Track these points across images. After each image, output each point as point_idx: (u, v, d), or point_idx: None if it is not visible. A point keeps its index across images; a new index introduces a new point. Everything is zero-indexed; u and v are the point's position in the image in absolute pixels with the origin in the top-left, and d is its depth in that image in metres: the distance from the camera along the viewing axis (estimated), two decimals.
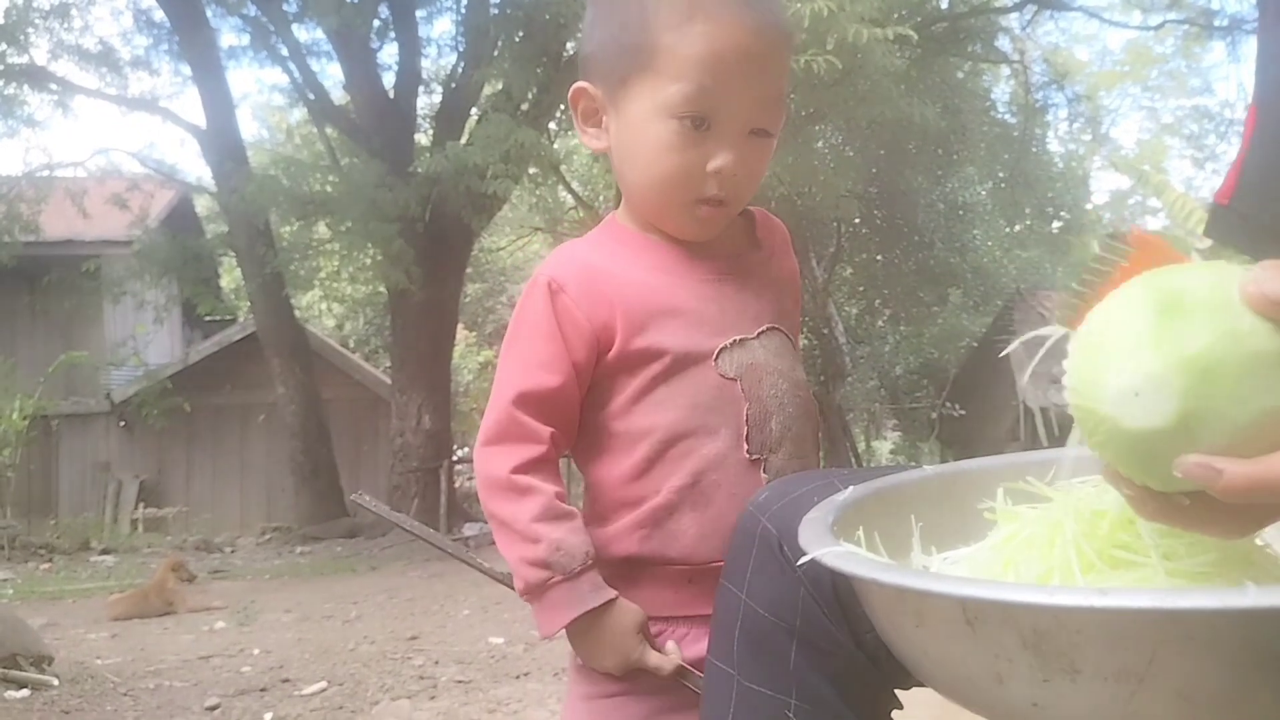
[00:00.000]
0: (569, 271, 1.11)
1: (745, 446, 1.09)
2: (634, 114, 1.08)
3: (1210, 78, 33.36)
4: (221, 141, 11.85)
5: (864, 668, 0.89)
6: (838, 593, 0.86)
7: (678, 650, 1.08)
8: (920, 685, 0.77)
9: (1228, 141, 28.26)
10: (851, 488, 0.83)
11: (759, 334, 1.13)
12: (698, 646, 1.08)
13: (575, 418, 1.12)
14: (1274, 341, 0.59)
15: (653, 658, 1.07)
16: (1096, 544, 0.72)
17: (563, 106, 11.43)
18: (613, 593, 1.06)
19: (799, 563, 0.68)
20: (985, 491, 0.84)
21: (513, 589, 1.10)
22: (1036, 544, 0.74)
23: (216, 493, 15.13)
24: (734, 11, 1.04)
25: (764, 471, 1.09)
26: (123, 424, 14.84)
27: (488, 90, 11.28)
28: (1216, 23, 15.20)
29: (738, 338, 1.11)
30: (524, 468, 1.07)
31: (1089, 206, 23.92)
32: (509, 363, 1.12)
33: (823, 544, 0.69)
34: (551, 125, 11.52)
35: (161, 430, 14.05)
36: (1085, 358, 0.64)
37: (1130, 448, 0.62)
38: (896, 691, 0.96)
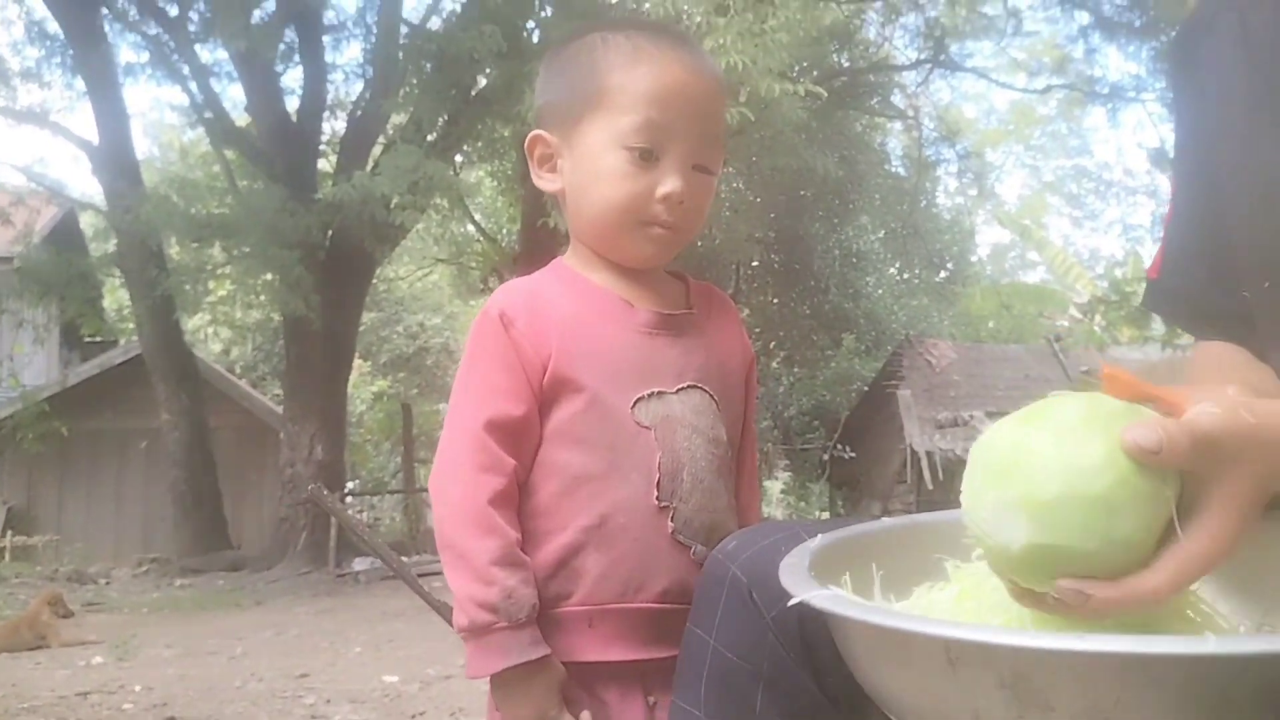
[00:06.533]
0: (517, 305, 1.16)
1: (655, 493, 1.12)
2: (588, 149, 1.17)
3: (1089, 140, 35.21)
4: (114, 159, 11.51)
5: (826, 710, 0.93)
6: (804, 637, 0.90)
7: None
8: None
9: (1105, 201, 29.74)
10: (820, 535, 0.88)
11: (679, 390, 1.17)
12: (609, 697, 1.11)
13: (534, 452, 1.15)
14: (1114, 478, 0.68)
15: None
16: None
17: (469, 140, 11.44)
18: (547, 649, 1.08)
19: (789, 604, 0.71)
20: (941, 543, 0.89)
21: (449, 621, 1.11)
22: (992, 597, 0.79)
23: (90, 521, 14.50)
24: (675, 55, 1.17)
25: (671, 520, 1.13)
26: None
27: (395, 120, 11.21)
28: (1098, 89, 16.05)
29: (657, 390, 1.15)
30: (495, 501, 1.09)
31: (974, 258, 24.84)
32: (469, 391, 1.15)
33: (806, 587, 0.73)
34: (458, 158, 11.48)
35: (34, 455, 13.41)
36: (970, 472, 0.74)
37: (997, 558, 0.72)
38: None
